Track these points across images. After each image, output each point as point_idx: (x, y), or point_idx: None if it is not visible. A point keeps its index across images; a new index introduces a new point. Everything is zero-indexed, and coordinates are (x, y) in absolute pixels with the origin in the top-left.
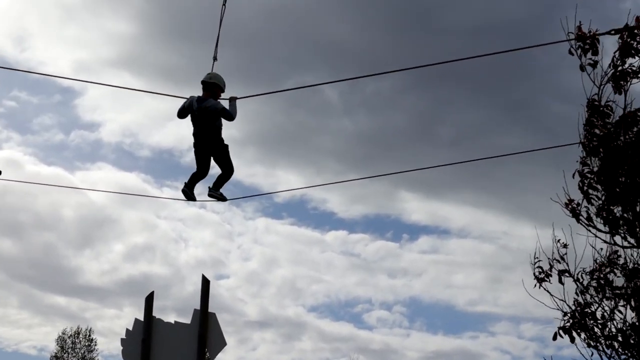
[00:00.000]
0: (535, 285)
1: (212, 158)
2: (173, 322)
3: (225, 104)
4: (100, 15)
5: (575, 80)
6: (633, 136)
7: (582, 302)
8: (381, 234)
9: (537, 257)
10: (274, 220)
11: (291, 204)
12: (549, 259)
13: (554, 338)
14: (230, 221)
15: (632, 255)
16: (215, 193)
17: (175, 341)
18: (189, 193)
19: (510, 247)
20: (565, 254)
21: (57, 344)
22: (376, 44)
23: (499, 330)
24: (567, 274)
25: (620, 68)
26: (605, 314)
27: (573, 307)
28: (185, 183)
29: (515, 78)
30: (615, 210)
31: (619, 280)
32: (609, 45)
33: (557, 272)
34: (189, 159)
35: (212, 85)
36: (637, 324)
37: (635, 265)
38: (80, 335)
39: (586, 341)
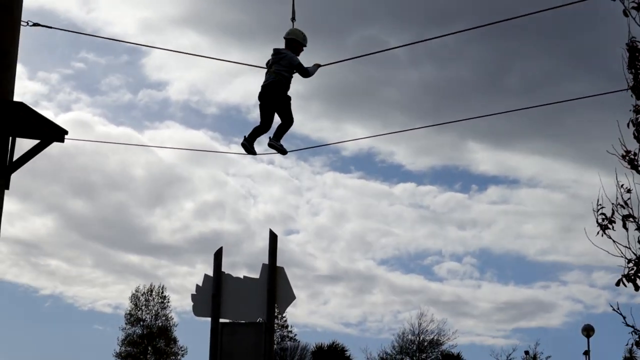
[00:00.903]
0: (598, 233)
1: (275, 111)
2: (242, 277)
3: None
4: None
5: None
6: None
7: None
8: (450, 185)
9: (600, 204)
10: (342, 174)
11: (359, 158)
12: (612, 204)
13: (617, 284)
14: (298, 176)
15: None
16: (276, 143)
17: (245, 295)
18: (248, 146)
19: (580, 195)
20: (629, 198)
21: (131, 302)
22: None
23: (570, 279)
24: (631, 219)
25: None
26: None
27: (637, 254)
28: (245, 137)
29: (581, 25)
30: None
31: None
32: None
33: (621, 218)
34: (256, 115)
35: (291, 42)
36: None
37: None
38: (153, 293)
39: None
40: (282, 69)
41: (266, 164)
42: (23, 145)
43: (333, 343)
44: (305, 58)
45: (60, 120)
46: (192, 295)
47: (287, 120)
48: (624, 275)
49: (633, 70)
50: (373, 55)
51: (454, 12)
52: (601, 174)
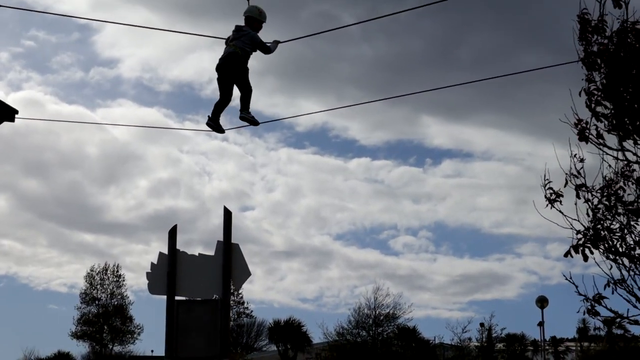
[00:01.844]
0: (546, 206)
1: (234, 82)
2: (197, 254)
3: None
4: None
5: None
6: (632, 49)
7: (595, 218)
8: (404, 159)
9: (548, 179)
10: (296, 150)
11: (313, 133)
12: (565, 174)
13: (566, 255)
14: (252, 153)
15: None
16: (247, 115)
17: (200, 273)
18: (214, 125)
19: (534, 167)
20: (582, 168)
21: (86, 281)
22: None
23: (525, 251)
24: (584, 189)
25: None
26: (622, 226)
27: (586, 225)
28: (208, 116)
29: None
30: (625, 123)
31: (630, 197)
32: None
33: (573, 187)
34: (210, 92)
35: (250, 19)
36: None
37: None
38: (109, 272)
39: (605, 254)
40: (243, 44)
41: (220, 140)
42: None
43: (290, 319)
44: (260, 33)
45: (10, 99)
46: (147, 274)
47: (247, 90)
48: (572, 246)
49: (584, 42)
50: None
51: None
52: (555, 146)
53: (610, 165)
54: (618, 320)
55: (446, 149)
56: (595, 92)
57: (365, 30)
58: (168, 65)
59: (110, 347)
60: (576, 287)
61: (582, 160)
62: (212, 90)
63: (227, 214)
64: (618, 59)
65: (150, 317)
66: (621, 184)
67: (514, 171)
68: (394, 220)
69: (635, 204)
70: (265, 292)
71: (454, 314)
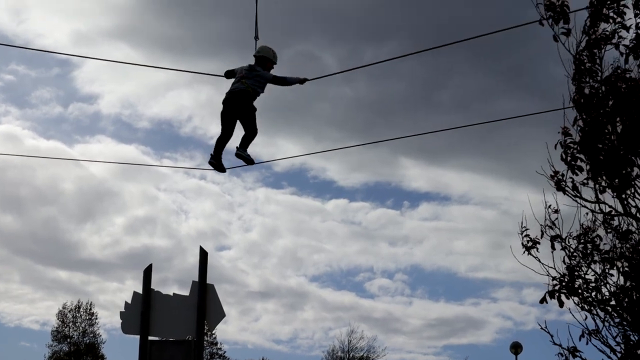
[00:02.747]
0: (523, 253)
1: (238, 120)
2: (172, 294)
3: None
4: None
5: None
6: (622, 95)
7: (571, 265)
8: (382, 201)
9: (525, 226)
10: (274, 190)
11: (291, 173)
12: (541, 225)
13: (541, 302)
14: (230, 192)
15: (622, 220)
16: (243, 153)
17: (175, 313)
18: (216, 164)
19: (511, 212)
20: (557, 219)
21: (58, 319)
22: (376, 9)
23: (500, 296)
24: (558, 240)
25: (593, 36)
26: (597, 276)
27: (562, 272)
28: (211, 154)
29: (513, 43)
30: (601, 179)
31: (606, 246)
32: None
33: (549, 239)
34: (189, 130)
35: (262, 59)
36: (627, 287)
37: (629, 227)
38: (81, 310)
39: (579, 305)
40: (255, 84)
41: (198, 179)
42: None
43: None
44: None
45: None
46: (121, 313)
47: (252, 131)
48: (547, 292)
49: (576, 83)
50: (306, 69)
51: (387, 27)
52: (532, 192)
53: (587, 213)
54: None
55: (424, 192)
56: (572, 145)
57: (346, 72)
58: (147, 102)
59: None
60: (551, 336)
61: (556, 212)
62: (191, 129)
63: (203, 254)
64: (606, 104)
65: (123, 356)
66: (598, 232)
67: (490, 215)
68: (370, 263)
69: (612, 253)
70: (240, 333)
71: (428, 358)
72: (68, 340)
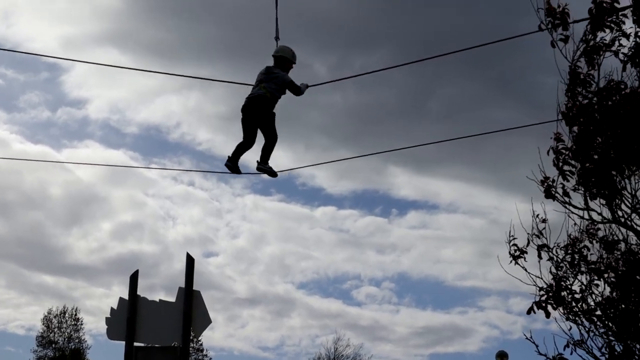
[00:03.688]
0: (510, 262)
1: (258, 126)
2: (158, 300)
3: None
4: None
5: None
6: (612, 106)
7: (558, 276)
8: (370, 209)
9: (513, 235)
10: (262, 196)
11: (279, 180)
12: (528, 234)
13: (528, 312)
14: (218, 198)
15: (610, 228)
16: (265, 167)
17: (160, 319)
18: (232, 166)
19: (500, 221)
20: (544, 228)
21: (43, 324)
22: (365, 17)
23: (487, 305)
24: (545, 249)
25: (592, 43)
26: (583, 287)
27: (549, 282)
28: (228, 156)
29: (505, 52)
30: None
31: (593, 256)
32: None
33: (536, 248)
34: (177, 136)
35: (281, 59)
36: (613, 297)
37: (614, 238)
38: (67, 315)
39: (565, 315)
40: (273, 87)
41: (186, 185)
42: None
43: None
44: (229, 85)
45: None
46: (107, 319)
47: (272, 138)
48: (535, 303)
49: (569, 94)
50: (296, 77)
51: (377, 35)
52: (520, 201)
53: (575, 223)
54: None
55: (412, 200)
56: (564, 151)
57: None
58: (136, 107)
59: None
60: (536, 346)
61: (544, 221)
62: (180, 134)
63: (190, 261)
64: (594, 118)
65: None
66: (586, 242)
67: (479, 224)
68: (357, 270)
69: (598, 264)
70: (226, 340)
71: None
72: (53, 345)
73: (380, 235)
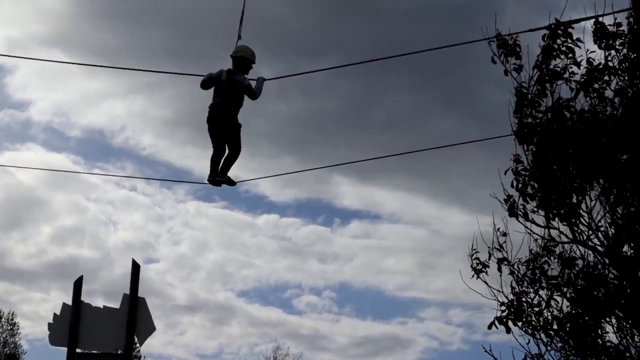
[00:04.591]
0: (472, 276)
1: (224, 138)
2: (102, 306)
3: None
4: None
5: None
6: (564, 126)
7: (519, 291)
8: (313, 218)
9: (475, 249)
10: (205, 203)
11: (223, 187)
12: (488, 247)
13: (489, 327)
14: (161, 204)
15: (570, 247)
16: (223, 178)
17: (104, 326)
18: (215, 181)
19: (442, 232)
20: (505, 242)
21: None
22: (313, 25)
23: (427, 315)
24: (505, 263)
25: (544, 70)
26: (542, 302)
27: (510, 297)
28: (209, 174)
29: (450, 64)
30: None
31: (554, 271)
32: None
33: (495, 261)
34: (121, 140)
35: (240, 59)
36: (572, 312)
37: (572, 255)
38: (2, 319)
39: (523, 329)
40: (233, 97)
41: (128, 190)
42: None
43: None
44: (178, 88)
45: None
46: (49, 324)
47: (235, 151)
48: (496, 318)
49: (518, 115)
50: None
51: (324, 43)
52: (461, 212)
53: (536, 240)
54: None
55: (355, 209)
56: (523, 172)
57: (281, 87)
58: (80, 110)
59: None
60: (495, 359)
61: (504, 235)
62: (124, 139)
63: (135, 267)
64: (550, 135)
65: None
66: (546, 258)
67: (420, 235)
68: (298, 279)
69: (558, 279)
70: (164, 347)
71: None
72: None
73: (322, 244)
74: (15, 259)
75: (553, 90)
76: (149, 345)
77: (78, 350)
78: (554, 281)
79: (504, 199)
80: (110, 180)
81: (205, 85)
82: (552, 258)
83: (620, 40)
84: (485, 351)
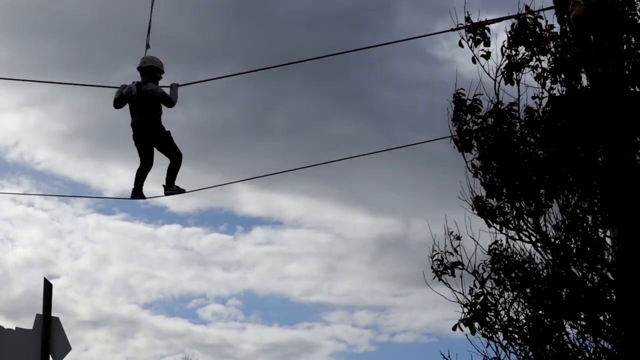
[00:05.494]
0: (434, 278)
1: (154, 148)
2: (14, 328)
3: (167, 90)
4: None
5: (409, 67)
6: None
7: (482, 293)
8: (215, 226)
9: (436, 250)
10: (105, 216)
11: (122, 199)
12: (441, 251)
13: (454, 329)
14: (59, 219)
15: (521, 248)
16: (171, 189)
17: (16, 348)
18: (136, 195)
19: (344, 235)
20: (459, 245)
21: None
22: (208, 33)
23: (333, 319)
24: (460, 266)
25: (512, 59)
26: (505, 304)
27: (471, 300)
28: (132, 189)
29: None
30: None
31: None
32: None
33: (449, 265)
34: (15, 155)
35: (149, 69)
36: (535, 314)
37: (520, 259)
38: None
39: (481, 330)
40: (149, 111)
41: (25, 206)
42: None
43: None
44: (73, 101)
45: None
46: None
47: (176, 158)
48: (461, 320)
49: (457, 122)
50: None
51: (221, 51)
52: (364, 215)
53: (500, 240)
54: None
55: (257, 216)
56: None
57: (179, 96)
58: None
59: None
60: None
61: (458, 238)
62: (18, 154)
63: (48, 286)
64: (492, 140)
65: None
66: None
67: (324, 239)
68: (203, 289)
69: (521, 280)
70: None
71: None
72: None
73: (225, 253)
74: None
75: (519, 79)
76: None
77: None
78: (516, 282)
79: (473, 200)
80: (5, 197)
81: (117, 104)
82: (509, 259)
83: (554, 43)
84: (444, 357)
